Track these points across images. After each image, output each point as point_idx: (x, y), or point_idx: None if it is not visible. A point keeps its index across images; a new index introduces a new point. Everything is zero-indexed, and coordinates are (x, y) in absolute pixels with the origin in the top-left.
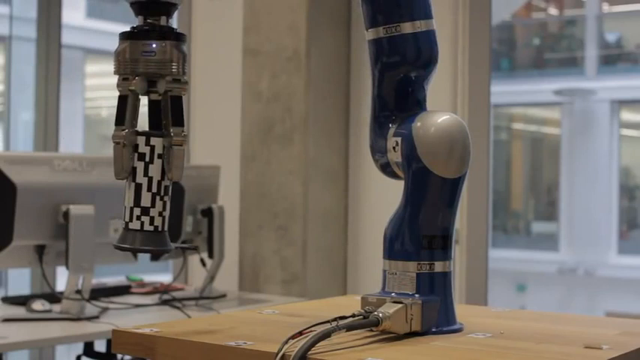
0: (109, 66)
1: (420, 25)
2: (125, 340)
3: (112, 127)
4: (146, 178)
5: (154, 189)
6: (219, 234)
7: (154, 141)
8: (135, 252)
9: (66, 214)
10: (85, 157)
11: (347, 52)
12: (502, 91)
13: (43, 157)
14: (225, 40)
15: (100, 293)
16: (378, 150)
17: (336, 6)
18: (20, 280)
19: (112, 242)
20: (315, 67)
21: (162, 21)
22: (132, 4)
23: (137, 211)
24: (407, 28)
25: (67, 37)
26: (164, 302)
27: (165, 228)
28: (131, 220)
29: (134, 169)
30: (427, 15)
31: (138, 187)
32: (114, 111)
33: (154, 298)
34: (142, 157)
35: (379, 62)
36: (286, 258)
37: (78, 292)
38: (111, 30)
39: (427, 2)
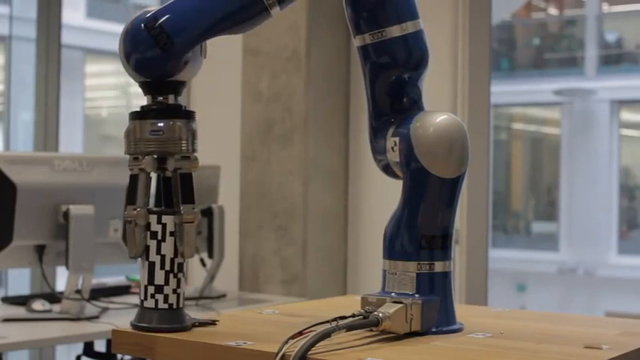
0: (109, 66)
1: (407, 27)
2: (125, 340)
3: (112, 127)
4: (159, 256)
5: (167, 267)
6: (219, 234)
7: (165, 219)
8: (151, 332)
9: (66, 214)
10: (85, 157)
11: (347, 52)
12: (502, 91)
13: (43, 157)
14: (225, 40)
15: (99, 293)
16: (378, 151)
17: (336, 6)
18: (20, 280)
19: (112, 242)
20: (315, 67)
21: (171, 99)
22: (140, 84)
23: (151, 290)
24: (395, 31)
25: (67, 37)
26: None
27: (181, 305)
28: (146, 298)
29: (147, 248)
30: (413, 16)
31: (151, 266)
32: (113, 111)
33: None
34: (154, 235)
35: (371, 67)
36: (286, 258)
37: (78, 292)
38: (111, 30)
39: (412, 3)
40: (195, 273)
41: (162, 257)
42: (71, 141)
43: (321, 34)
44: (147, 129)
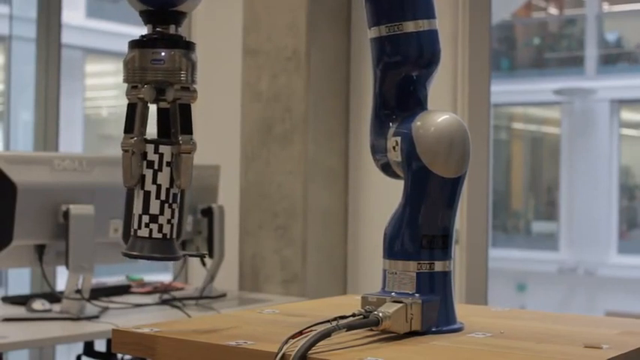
0: (109, 66)
1: (422, 25)
2: (125, 339)
3: (112, 127)
4: (155, 186)
5: (163, 197)
6: (219, 234)
7: (162, 149)
8: (143, 259)
9: (66, 214)
10: (85, 156)
11: (347, 52)
12: (502, 90)
13: (43, 157)
14: (225, 40)
15: (100, 293)
16: (378, 150)
17: (336, 6)
18: (20, 280)
19: (112, 242)
20: (315, 67)
21: (172, 29)
22: (141, 13)
23: (145, 219)
24: (409, 27)
25: (67, 37)
26: (164, 302)
27: (174, 236)
28: (139, 227)
29: (143, 177)
30: (430, 15)
31: (146, 195)
32: (113, 111)
33: (154, 298)
34: (150, 164)
35: (381, 61)
36: (286, 258)
37: (78, 291)
38: (111, 30)
39: (430, 2)
40: (196, 273)
41: (158, 187)
42: (71, 141)
43: (321, 34)
44: (147, 58)
